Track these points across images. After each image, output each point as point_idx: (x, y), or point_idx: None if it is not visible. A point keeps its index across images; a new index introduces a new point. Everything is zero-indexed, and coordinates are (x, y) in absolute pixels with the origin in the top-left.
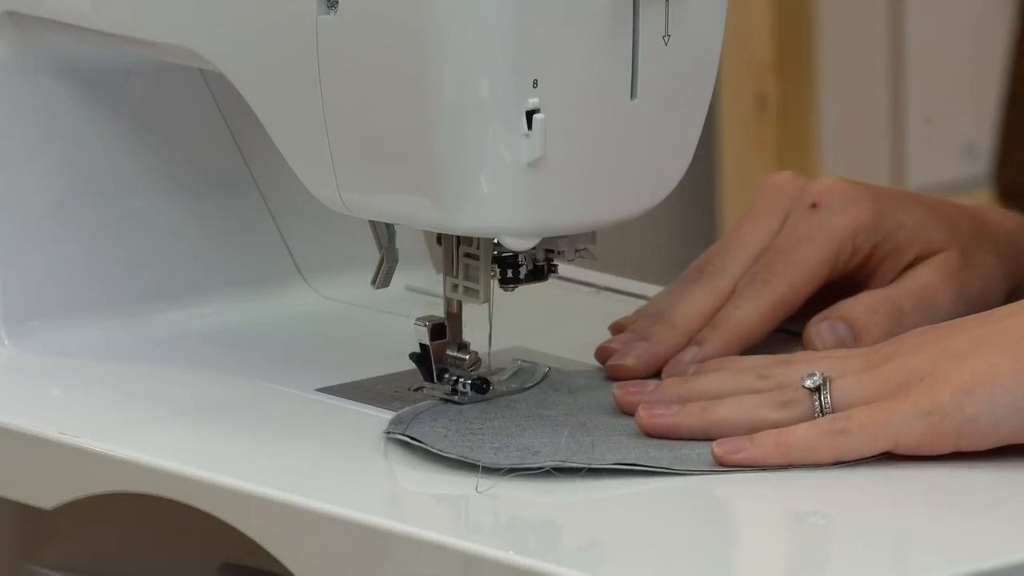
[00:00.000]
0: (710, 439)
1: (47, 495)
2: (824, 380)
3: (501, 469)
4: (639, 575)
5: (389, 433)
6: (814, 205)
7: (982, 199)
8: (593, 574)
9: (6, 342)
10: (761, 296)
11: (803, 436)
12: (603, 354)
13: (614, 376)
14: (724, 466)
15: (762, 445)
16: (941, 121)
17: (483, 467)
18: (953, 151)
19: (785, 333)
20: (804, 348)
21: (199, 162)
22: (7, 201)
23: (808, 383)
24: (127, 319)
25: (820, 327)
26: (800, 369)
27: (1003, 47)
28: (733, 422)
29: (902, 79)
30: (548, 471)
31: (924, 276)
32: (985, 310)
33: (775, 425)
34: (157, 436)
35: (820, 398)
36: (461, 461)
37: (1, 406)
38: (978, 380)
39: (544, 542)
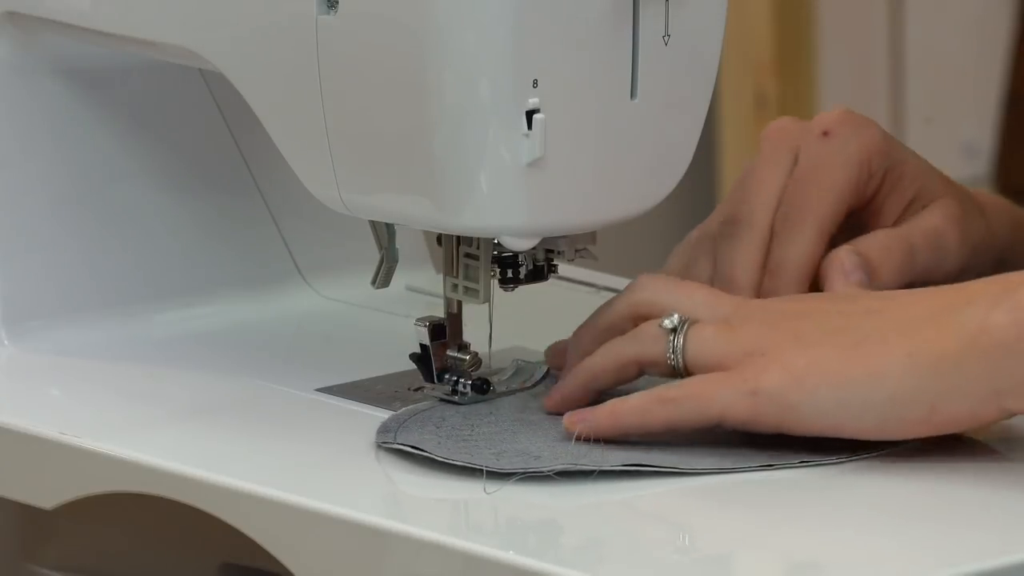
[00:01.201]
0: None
1: (47, 495)
2: (681, 323)
3: (508, 474)
4: (639, 575)
5: (382, 444)
6: (825, 133)
7: None
8: (593, 574)
9: (6, 342)
10: (806, 229)
11: (635, 403)
12: None
13: None
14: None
15: (599, 415)
16: (941, 121)
17: (488, 472)
18: (953, 151)
19: None
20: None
21: (199, 162)
22: (7, 201)
23: (666, 323)
24: (127, 319)
25: (840, 259)
26: (681, 296)
27: (1003, 47)
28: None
29: (902, 79)
30: (550, 474)
31: (932, 218)
32: (984, 263)
33: (637, 358)
34: (157, 436)
35: (673, 340)
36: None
37: (1, 406)
38: (810, 371)
39: (544, 542)
